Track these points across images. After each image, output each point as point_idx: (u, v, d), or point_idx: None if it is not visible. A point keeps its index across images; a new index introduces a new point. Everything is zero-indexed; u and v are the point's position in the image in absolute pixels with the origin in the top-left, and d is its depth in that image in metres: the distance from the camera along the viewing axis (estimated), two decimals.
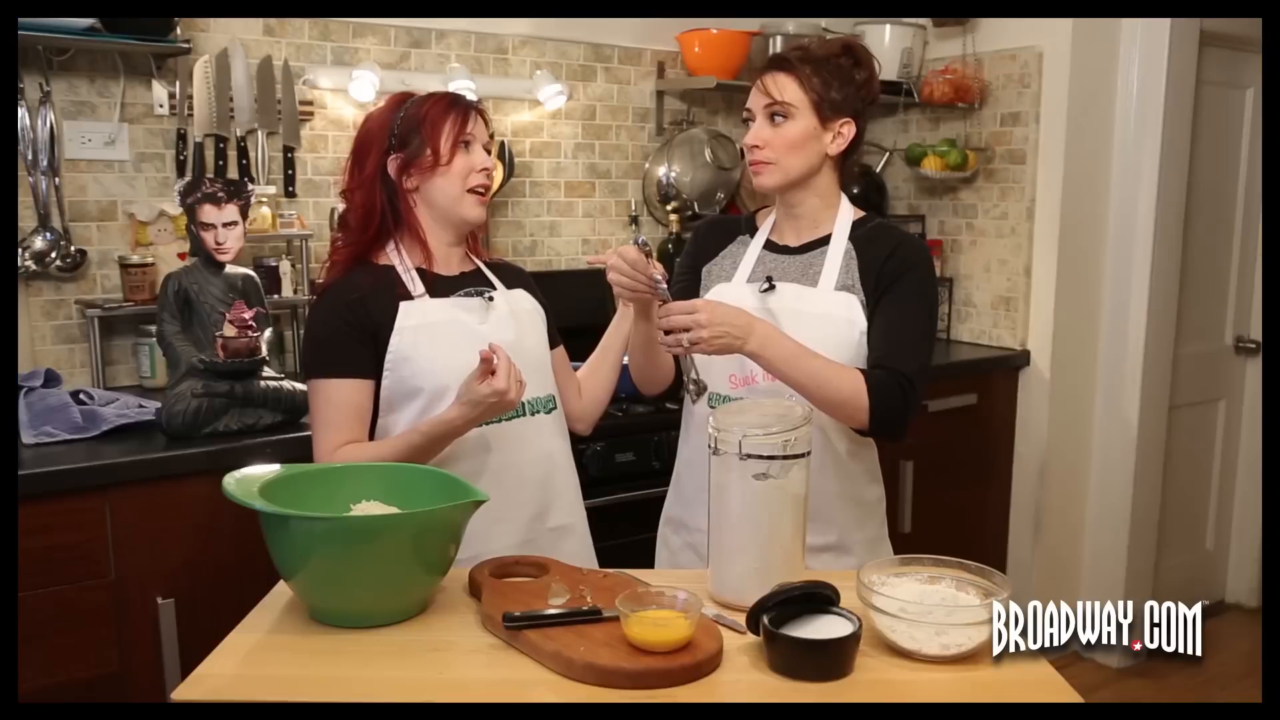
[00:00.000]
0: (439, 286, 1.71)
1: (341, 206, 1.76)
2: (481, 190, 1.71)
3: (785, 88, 1.65)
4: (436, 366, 1.63)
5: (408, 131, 1.67)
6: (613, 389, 1.89)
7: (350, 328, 1.63)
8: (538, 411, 1.74)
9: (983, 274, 3.34)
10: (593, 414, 1.89)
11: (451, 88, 2.72)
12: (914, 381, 1.59)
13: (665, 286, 1.56)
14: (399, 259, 1.70)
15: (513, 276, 1.85)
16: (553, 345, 1.87)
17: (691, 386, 1.56)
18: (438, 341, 1.64)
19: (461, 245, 1.78)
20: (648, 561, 1.87)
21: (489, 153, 1.73)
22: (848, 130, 1.68)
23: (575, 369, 1.91)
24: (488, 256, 1.86)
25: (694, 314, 1.48)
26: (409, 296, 1.67)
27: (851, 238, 1.70)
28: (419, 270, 1.70)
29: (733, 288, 1.74)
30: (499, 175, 2.84)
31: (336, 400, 1.63)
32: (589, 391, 1.88)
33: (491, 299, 1.73)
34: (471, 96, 2.71)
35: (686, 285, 1.83)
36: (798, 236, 1.74)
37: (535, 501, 1.73)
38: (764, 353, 1.53)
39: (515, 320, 1.74)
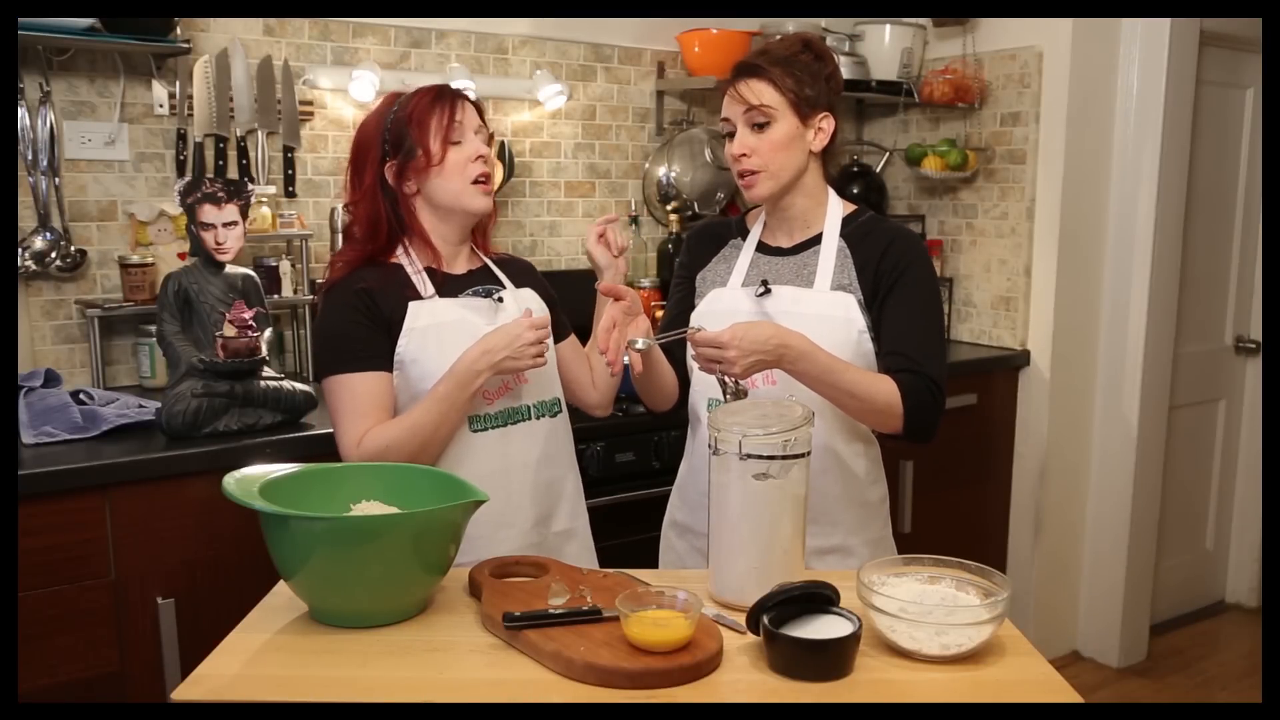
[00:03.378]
0: (448, 285, 1.71)
1: (345, 217, 1.75)
2: (483, 179, 1.69)
3: (761, 92, 1.63)
4: (444, 368, 1.62)
5: (398, 135, 1.67)
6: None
7: (364, 319, 1.63)
8: (543, 415, 1.74)
9: (983, 274, 3.34)
10: (607, 399, 1.87)
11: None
12: (940, 385, 1.62)
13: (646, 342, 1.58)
14: (408, 260, 1.70)
15: (521, 273, 1.84)
16: (563, 335, 1.86)
17: (729, 396, 1.55)
18: (446, 343, 1.64)
19: (467, 242, 1.77)
20: (648, 562, 1.87)
21: (489, 141, 1.72)
22: (827, 125, 1.67)
23: None
24: (493, 252, 1.86)
25: (723, 349, 1.47)
26: (418, 297, 1.67)
27: (844, 234, 1.70)
28: (428, 270, 1.70)
29: (728, 292, 1.74)
30: (499, 175, 2.84)
31: (359, 391, 1.62)
32: (599, 377, 1.86)
33: (501, 299, 1.73)
34: (470, 94, 2.73)
35: (683, 296, 1.83)
36: (790, 237, 1.74)
37: (540, 506, 1.73)
38: (798, 369, 1.53)
39: None
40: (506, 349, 1.58)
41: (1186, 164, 3.23)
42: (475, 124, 1.71)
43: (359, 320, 1.63)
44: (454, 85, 2.68)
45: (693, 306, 1.80)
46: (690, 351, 1.57)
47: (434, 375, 1.63)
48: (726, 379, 1.52)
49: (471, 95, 1.76)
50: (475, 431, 1.67)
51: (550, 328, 1.62)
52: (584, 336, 1.92)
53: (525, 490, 1.70)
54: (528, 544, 1.68)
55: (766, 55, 1.66)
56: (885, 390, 1.58)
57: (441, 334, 1.65)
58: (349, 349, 1.63)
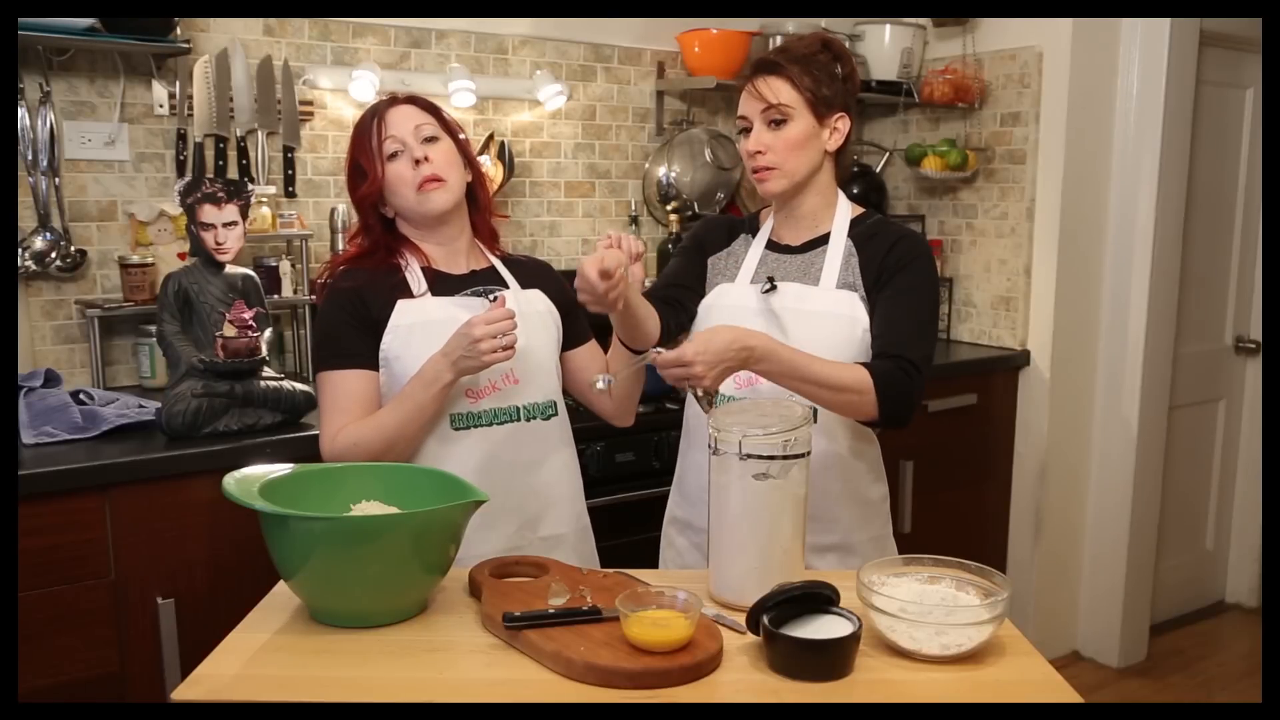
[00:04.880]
0: (445, 285, 1.71)
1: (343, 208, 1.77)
2: (431, 180, 1.67)
3: (780, 90, 1.64)
4: None
5: (359, 169, 1.70)
6: (639, 378, 1.82)
7: (351, 318, 1.65)
8: (534, 417, 1.72)
9: (983, 274, 3.34)
10: (625, 409, 1.84)
11: (451, 88, 2.73)
12: (918, 366, 1.58)
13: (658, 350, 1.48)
14: (405, 261, 1.71)
15: (531, 275, 1.83)
16: (583, 340, 1.85)
17: (704, 405, 1.54)
18: (432, 341, 1.63)
19: (466, 240, 1.77)
20: (648, 561, 1.87)
21: (457, 132, 1.74)
22: (843, 125, 1.68)
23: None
24: (501, 252, 1.85)
25: (688, 365, 1.43)
26: (410, 295, 1.67)
27: (851, 235, 1.71)
28: (425, 270, 1.70)
29: (735, 288, 1.75)
30: (499, 175, 2.84)
31: (341, 388, 1.64)
32: (616, 386, 1.82)
33: (496, 299, 1.72)
34: (469, 97, 2.73)
35: (683, 266, 1.81)
36: (797, 236, 1.75)
37: (525, 510, 1.71)
38: (765, 367, 1.51)
39: (521, 322, 1.72)
40: (460, 348, 1.56)
41: (1186, 164, 3.23)
42: (412, 125, 1.68)
43: (345, 320, 1.65)
44: (453, 86, 2.67)
45: (689, 283, 1.79)
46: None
47: (414, 372, 1.62)
48: (698, 391, 1.51)
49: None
50: (457, 429, 1.66)
51: (515, 319, 1.56)
52: (598, 338, 1.91)
53: (509, 493, 1.68)
54: (510, 547, 1.66)
55: (786, 54, 1.67)
56: (856, 377, 1.54)
57: (428, 331, 1.64)
58: (335, 347, 1.65)
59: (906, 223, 3.41)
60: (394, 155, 1.67)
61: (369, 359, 1.65)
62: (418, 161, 1.66)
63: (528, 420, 1.71)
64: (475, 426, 1.67)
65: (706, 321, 1.74)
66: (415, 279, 1.68)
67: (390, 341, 1.65)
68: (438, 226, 1.72)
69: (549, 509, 1.74)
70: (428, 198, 1.67)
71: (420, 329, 1.65)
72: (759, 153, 1.66)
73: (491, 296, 1.71)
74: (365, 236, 1.74)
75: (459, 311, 1.68)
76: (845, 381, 1.54)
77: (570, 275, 1.85)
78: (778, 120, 1.64)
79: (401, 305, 1.66)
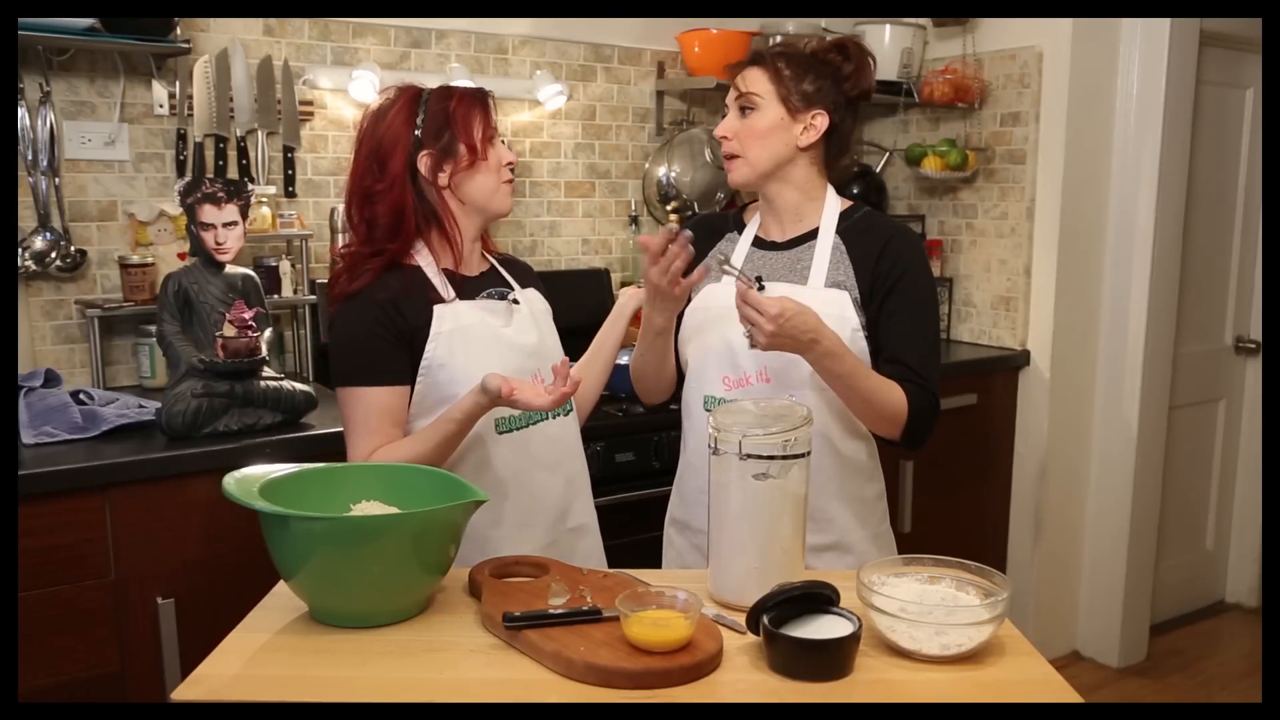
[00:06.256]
0: (465, 288, 1.71)
1: (351, 215, 1.68)
2: (510, 181, 1.72)
3: (754, 81, 1.66)
4: (471, 372, 1.60)
5: (436, 128, 1.64)
6: (603, 388, 1.89)
7: (386, 331, 1.60)
8: (557, 414, 1.74)
9: (983, 274, 3.34)
10: (584, 413, 1.89)
11: None
12: (938, 398, 1.65)
13: (736, 270, 1.50)
14: (426, 261, 1.68)
15: (524, 275, 1.85)
16: None
17: (746, 335, 1.54)
18: (471, 346, 1.63)
19: (479, 241, 1.78)
20: (648, 561, 1.87)
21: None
22: (819, 122, 1.67)
23: None
24: (497, 251, 1.86)
25: (764, 319, 1.47)
26: (441, 300, 1.65)
27: (840, 230, 1.70)
28: (446, 272, 1.69)
29: (722, 287, 1.74)
30: None
31: (374, 406, 1.60)
32: (581, 391, 1.85)
33: (517, 301, 1.73)
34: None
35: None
36: (783, 232, 1.74)
37: (558, 503, 1.74)
38: (826, 364, 1.54)
39: (534, 322, 1.74)
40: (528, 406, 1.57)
41: (1186, 164, 3.24)
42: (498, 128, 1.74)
43: (380, 333, 1.60)
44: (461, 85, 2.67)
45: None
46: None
47: (461, 379, 1.61)
48: (748, 333, 1.52)
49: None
50: (501, 433, 1.67)
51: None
52: (584, 335, 1.92)
53: (546, 488, 1.71)
54: (547, 542, 1.69)
55: (780, 47, 1.70)
56: (896, 400, 1.60)
57: (466, 337, 1.64)
58: (367, 361, 1.61)
59: (906, 223, 3.41)
60: (493, 142, 1.69)
61: (403, 374, 1.62)
62: (509, 163, 1.71)
63: (553, 417, 1.74)
64: (516, 428, 1.68)
65: (693, 325, 1.74)
66: (442, 283, 1.67)
67: (434, 349, 1.62)
68: (485, 222, 1.74)
69: (574, 500, 1.77)
70: (507, 196, 1.71)
71: (459, 335, 1.64)
72: (724, 138, 1.69)
73: (512, 299, 1.73)
74: (393, 212, 1.63)
75: (486, 315, 1.68)
76: (886, 403, 1.60)
77: (571, 275, 1.87)
78: (746, 108, 1.67)
79: (438, 311, 1.63)
